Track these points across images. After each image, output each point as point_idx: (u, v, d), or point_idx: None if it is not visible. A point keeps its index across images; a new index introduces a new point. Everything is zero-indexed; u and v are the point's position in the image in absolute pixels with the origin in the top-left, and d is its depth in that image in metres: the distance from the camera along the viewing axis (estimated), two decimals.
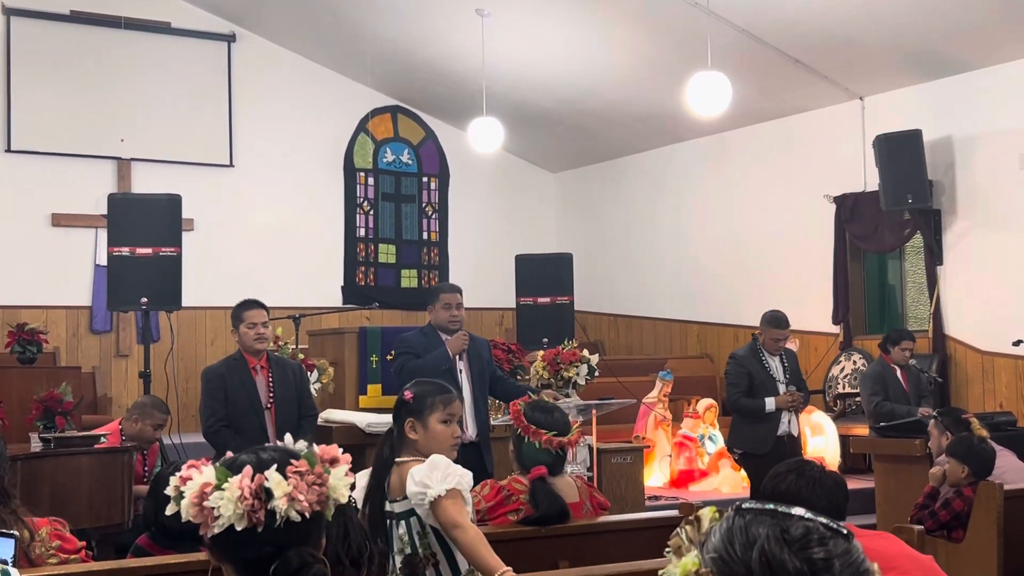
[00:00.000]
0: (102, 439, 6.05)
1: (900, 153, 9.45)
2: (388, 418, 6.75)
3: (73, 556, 3.53)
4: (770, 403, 7.16)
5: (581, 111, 11.91)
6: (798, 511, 1.29)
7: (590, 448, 7.06)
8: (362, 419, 7.12)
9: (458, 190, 13.28)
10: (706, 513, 1.32)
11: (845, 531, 1.27)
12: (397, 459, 3.58)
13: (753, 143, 11.41)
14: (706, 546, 1.26)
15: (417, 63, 11.81)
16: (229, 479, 1.84)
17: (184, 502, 1.85)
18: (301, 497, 1.83)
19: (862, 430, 8.92)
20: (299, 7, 11.25)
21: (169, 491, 1.90)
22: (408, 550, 3.46)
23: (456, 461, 3.56)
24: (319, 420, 6.73)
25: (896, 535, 3.40)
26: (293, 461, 1.88)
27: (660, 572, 1.29)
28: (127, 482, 5.90)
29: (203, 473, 1.87)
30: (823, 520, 1.27)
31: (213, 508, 1.82)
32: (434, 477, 3.38)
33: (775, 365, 7.31)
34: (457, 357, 6.46)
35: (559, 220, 13.83)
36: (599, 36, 10.33)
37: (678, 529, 1.31)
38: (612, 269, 12.94)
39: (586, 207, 13.53)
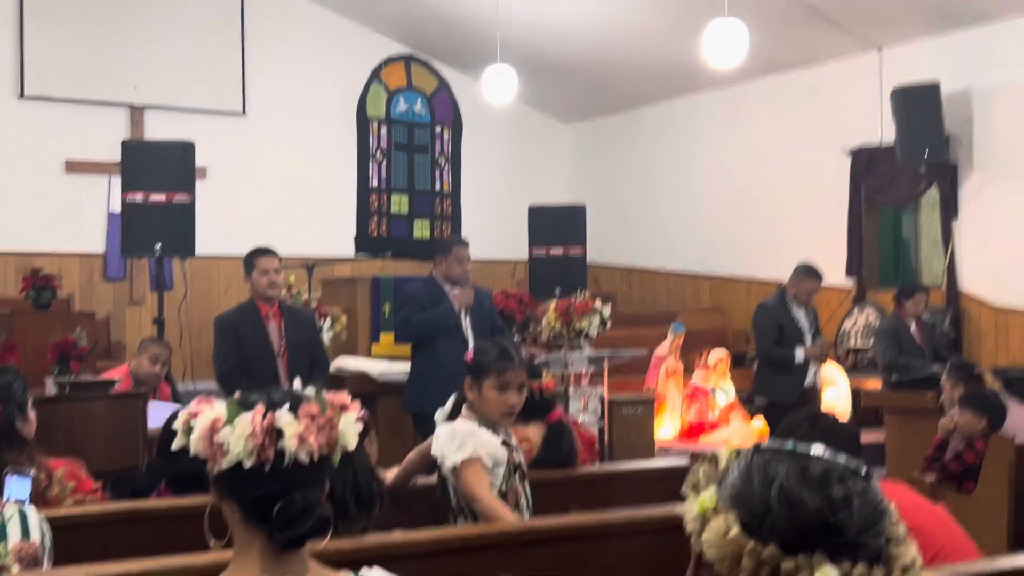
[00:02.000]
0: (115, 384, 6.09)
1: (917, 106, 9.37)
2: (401, 366, 6.83)
3: (89, 496, 3.56)
4: (799, 353, 7.20)
5: (596, 61, 11.82)
6: (817, 450, 1.28)
7: (601, 399, 7.09)
8: (375, 367, 7.16)
9: (471, 140, 13.22)
10: (724, 452, 1.31)
11: (864, 471, 1.27)
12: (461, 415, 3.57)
13: (769, 95, 11.31)
14: (724, 483, 1.26)
15: (431, 11, 11.71)
16: (240, 415, 1.84)
17: (193, 436, 1.85)
18: (311, 439, 1.83)
19: (874, 384, 8.91)
20: None
21: (177, 425, 1.90)
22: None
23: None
24: (331, 368, 6.76)
25: (908, 486, 3.40)
26: (305, 403, 1.89)
27: (677, 508, 1.28)
28: (141, 426, 5.95)
29: (214, 408, 1.87)
30: (842, 460, 1.27)
31: (223, 443, 1.82)
32: (452, 446, 3.38)
33: (802, 317, 7.34)
34: (463, 311, 6.47)
35: (572, 172, 13.77)
36: None
37: (696, 466, 1.31)
38: (625, 221, 12.90)
39: (600, 159, 13.46)
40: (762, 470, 1.24)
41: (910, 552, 1.26)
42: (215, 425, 1.85)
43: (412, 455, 3.73)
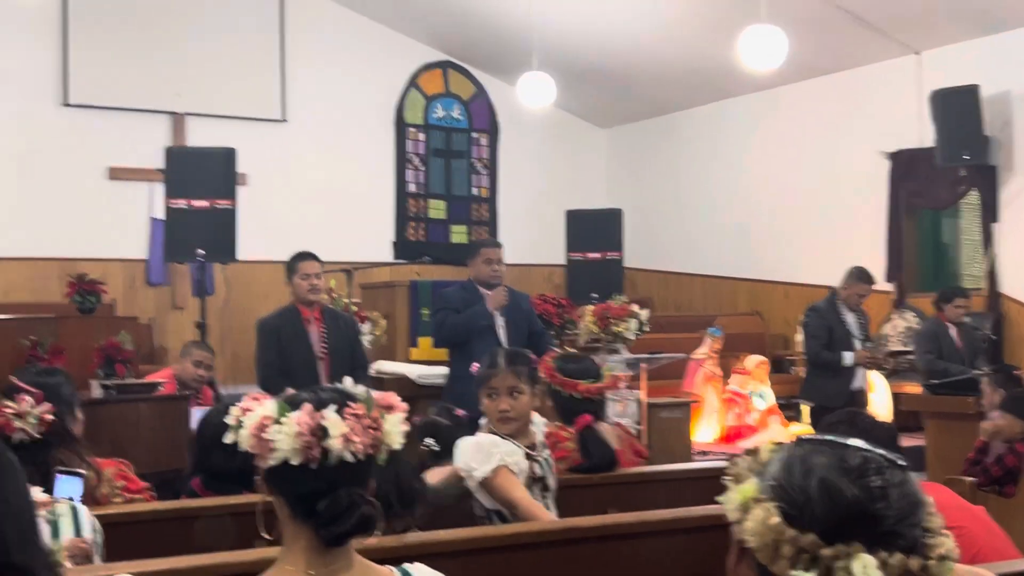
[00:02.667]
0: (160, 386, 6.18)
1: (956, 109, 9.31)
2: (439, 370, 6.87)
3: (137, 496, 3.63)
4: (848, 357, 7.19)
5: (633, 66, 11.83)
6: (856, 443, 1.31)
7: (639, 402, 7.10)
8: (413, 371, 7.21)
9: (508, 146, 13.27)
10: (766, 445, 1.35)
11: (902, 463, 1.29)
12: None
13: (807, 98, 11.28)
14: (765, 474, 1.29)
15: (468, 18, 11.78)
16: (288, 414, 1.89)
17: (243, 432, 1.90)
18: (356, 439, 1.88)
19: (914, 388, 8.85)
20: None
21: (228, 420, 1.95)
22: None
23: None
24: (371, 371, 6.82)
25: (948, 487, 3.40)
26: (351, 403, 1.93)
27: (718, 498, 1.32)
28: (184, 429, 6.03)
29: (264, 406, 1.92)
30: (881, 451, 1.29)
31: (271, 441, 1.87)
32: (478, 458, 3.40)
33: (852, 321, 7.33)
34: (497, 312, 6.49)
35: (609, 176, 13.78)
36: None
37: (737, 459, 1.34)
38: (662, 226, 12.89)
39: (637, 163, 13.46)
40: (802, 461, 1.28)
41: (947, 543, 1.29)
42: (264, 423, 1.90)
43: (451, 468, 3.75)
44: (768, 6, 8.58)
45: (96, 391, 6.20)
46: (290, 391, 2.02)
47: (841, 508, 1.23)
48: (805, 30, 9.82)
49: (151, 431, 5.97)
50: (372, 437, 1.91)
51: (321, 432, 1.87)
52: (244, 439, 1.91)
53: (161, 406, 6.09)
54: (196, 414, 6.05)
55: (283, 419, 1.89)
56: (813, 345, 7.37)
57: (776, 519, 1.23)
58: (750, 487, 1.28)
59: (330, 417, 1.88)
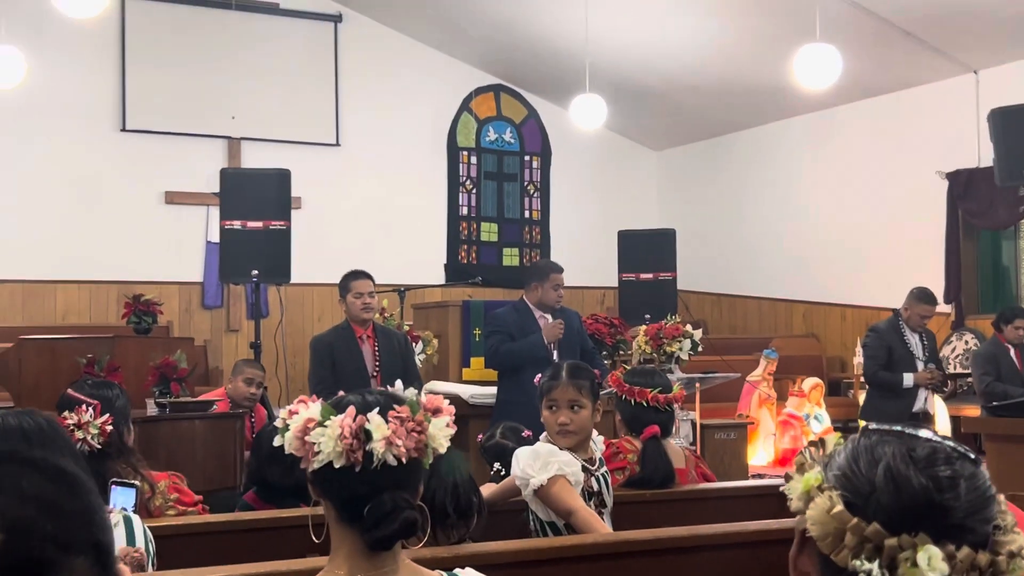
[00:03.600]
0: (214, 405, 6.21)
1: (1015, 127, 9.14)
2: (491, 390, 6.85)
3: (190, 509, 3.64)
4: (908, 379, 7.09)
5: (685, 87, 11.80)
6: (925, 433, 1.27)
7: (693, 423, 7.03)
8: (465, 390, 7.19)
9: (560, 168, 13.28)
10: (831, 437, 1.32)
11: (973, 455, 1.25)
12: None
13: (862, 118, 11.18)
14: (831, 464, 1.26)
15: (520, 41, 11.82)
16: (332, 417, 1.88)
17: (288, 435, 1.90)
18: (399, 442, 1.86)
19: (973, 411, 8.69)
20: None
21: (278, 423, 1.95)
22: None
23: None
24: (423, 391, 6.80)
25: (1010, 502, 3.31)
26: (396, 406, 1.92)
27: (781, 487, 1.28)
28: (238, 446, 6.05)
29: (309, 408, 1.92)
30: (951, 442, 1.25)
31: (314, 443, 1.87)
32: (535, 466, 3.37)
33: (915, 342, 7.25)
34: (552, 344, 6.47)
35: (661, 199, 13.74)
36: (704, 10, 10.21)
37: (803, 450, 1.31)
38: (715, 248, 12.81)
39: (689, 185, 13.41)
40: (869, 451, 1.24)
41: (1018, 540, 1.24)
42: (308, 425, 1.90)
43: (508, 480, 3.73)
44: (822, 25, 8.52)
45: (151, 409, 6.25)
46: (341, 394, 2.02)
47: (907, 498, 1.19)
48: (860, 49, 9.74)
49: (204, 449, 5.99)
50: (416, 440, 1.90)
51: (364, 435, 1.86)
52: (289, 441, 1.91)
53: (214, 424, 6.12)
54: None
55: (327, 422, 1.88)
56: (870, 365, 7.28)
57: (839, 507, 1.20)
58: (814, 476, 1.24)
59: (373, 420, 1.87)
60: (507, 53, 12.24)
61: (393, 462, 1.85)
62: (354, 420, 1.87)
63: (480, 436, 4.22)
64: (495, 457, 3.76)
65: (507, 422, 4.13)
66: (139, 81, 11.19)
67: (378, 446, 1.85)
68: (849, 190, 11.30)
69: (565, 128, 12.42)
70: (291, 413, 1.94)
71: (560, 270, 6.67)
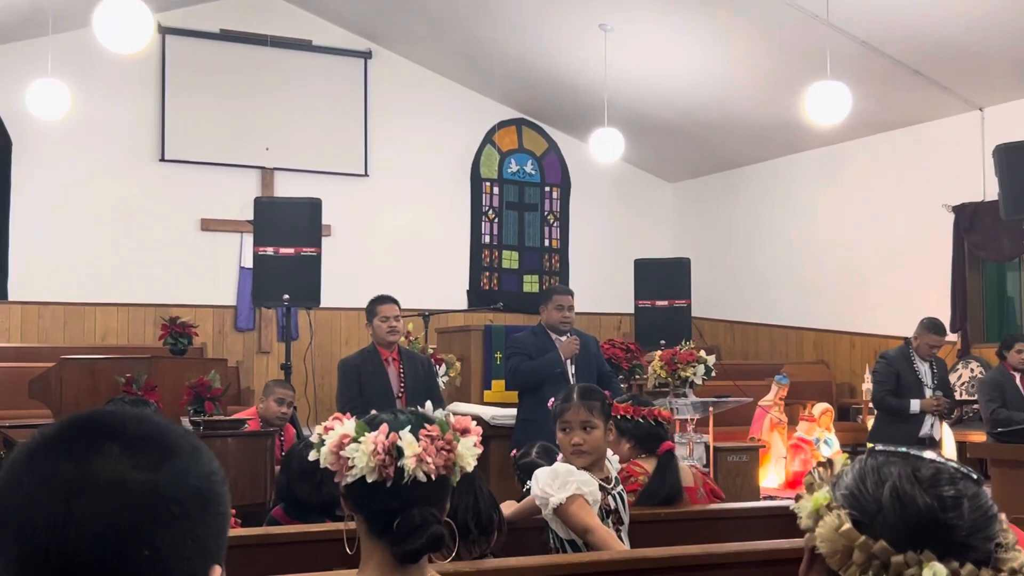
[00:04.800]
0: (246, 424, 6.24)
1: (1020, 162, 9.12)
2: (513, 411, 6.85)
3: None
4: (915, 404, 7.08)
5: (700, 122, 11.83)
6: (929, 454, 1.28)
7: (706, 446, 7.01)
8: (487, 411, 7.20)
9: (579, 199, 13.32)
10: (839, 458, 1.33)
11: (975, 476, 1.26)
12: None
13: (871, 153, 11.17)
14: (838, 484, 1.27)
15: (542, 77, 11.89)
16: (366, 434, 1.90)
17: (323, 449, 1.93)
18: (429, 459, 1.89)
19: (979, 437, 8.64)
20: (431, 25, 11.44)
21: (313, 438, 1.98)
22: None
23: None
24: (448, 413, 6.81)
25: (1014, 524, 3.29)
26: (427, 425, 1.94)
27: (792, 507, 1.29)
28: (269, 464, 6.08)
29: (344, 425, 1.94)
30: (954, 464, 1.26)
31: (348, 458, 1.89)
32: (554, 485, 3.37)
33: (925, 370, 7.23)
34: (568, 360, 6.47)
35: (676, 229, 13.75)
36: (719, 48, 10.25)
37: (811, 471, 1.32)
38: (729, 276, 12.80)
39: (703, 216, 13.41)
40: (876, 472, 1.25)
41: (1020, 558, 1.25)
42: (343, 441, 1.92)
43: (529, 499, 3.74)
44: (833, 63, 8.54)
45: (185, 426, 6.27)
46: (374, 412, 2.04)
47: (912, 516, 1.20)
48: (870, 86, 9.75)
49: (236, 466, 6.01)
50: (445, 458, 1.92)
51: (396, 452, 1.88)
52: (324, 456, 1.93)
53: (246, 442, 6.15)
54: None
55: (361, 438, 1.90)
56: (879, 390, 7.27)
57: (847, 525, 1.21)
58: (823, 496, 1.25)
59: (405, 438, 1.89)
60: (529, 88, 12.31)
61: (423, 478, 1.87)
62: (387, 437, 1.89)
63: (514, 452, 4.24)
64: (529, 475, 3.77)
65: (543, 442, 4.15)
66: (178, 113, 11.30)
67: (409, 462, 1.87)
68: (858, 222, 11.28)
69: (584, 160, 12.47)
70: (327, 429, 1.96)
71: (565, 292, 6.67)
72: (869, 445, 7.51)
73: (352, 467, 1.89)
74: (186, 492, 0.99)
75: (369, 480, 1.87)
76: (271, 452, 6.19)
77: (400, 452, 1.88)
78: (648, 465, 4.08)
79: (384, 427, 1.91)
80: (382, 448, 1.88)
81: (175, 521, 0.97)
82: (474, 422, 2.04)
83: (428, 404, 2.10)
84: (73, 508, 0.94)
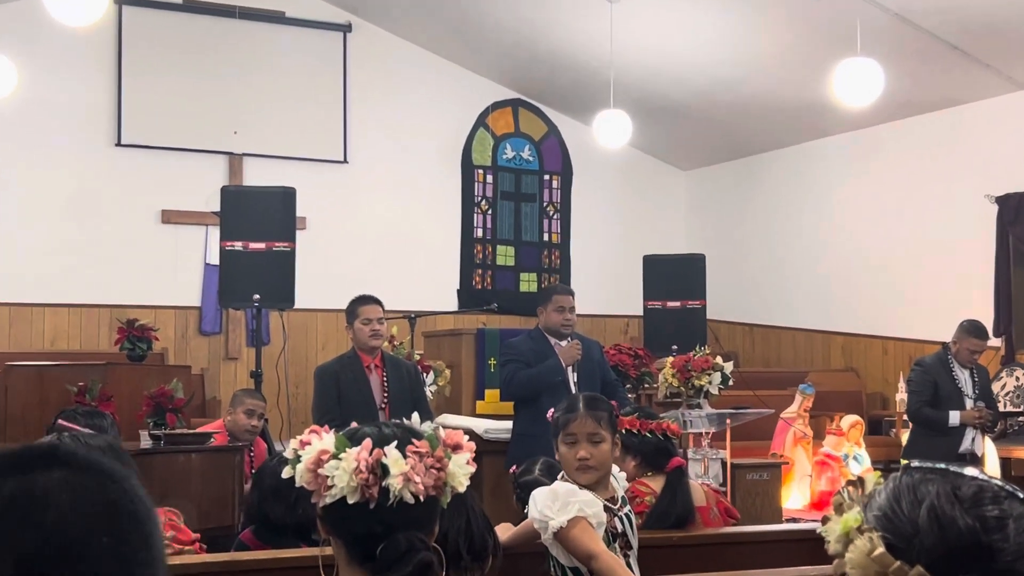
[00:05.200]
0: (212, 438, 6.24)
1: None
2: (508, 424, 6.86)
3: (187, 547, 3.66)
4: (954, 416, 7.08)
5: (716, 104, 11.84)
6: (971, 471, 1.28)
7: (723, 463, 7.02)
8: (480, 424, 7.21)
9: (582, 188, 13.32)
10: (871, 476, 1.33)
11: (1022, 494, 1.26)
12: None
13: (905, 138, 11.18)
14: (871, 504, 1.27)
15: (540, 54, 11.89)
16: (347, 449, 1.89)
17: (299, 467, 1.90)
18: (417, 479, 1.87)
19: None
20: None
21: (287, 453, 1.96)
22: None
23: None
24: (435, 424, 6.82)
25: None
26: (415, 441, 1.93)
27: (818, 530, 1.29)
28: (237, 482, 6.07)
29: (323, 440, 1.93)
30: (997, 481, 1.26)
31: (328, 476, 1.87)
32: (554, 507, 3.37)
33: (965, 378, 7.23)
34: (570, 368, 6.48)
35: (690, 222, 13.76)
36: (737, 22, 10.26)
37: (840, 490, 1.32)
38: (748, 275, 12.81)
39: (720, 208, 13.42)
40: (911, 491, 1.25)
41: None
42: (321, 457, 1.91)
43: (527, 522, 3.74)
44: (864, 38, 8.55)
45: (145, 441, 6.28)
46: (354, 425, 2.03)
47: (952, 539, 1.20)
48: (904, 64, 9.76)
49: (201, 484, 6.01)
50: (435, 478, 1.90)
51: (380, 470, 1.87)
52: (300, 474, 1.92)
53: (212, 458, 6.14)
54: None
55: (342, 455, 1.89)
56: (914, 401, 7.27)
57: (881, 549, 1.21)
58: (853, 517, 1.25)
59: (391, 454, 1.88)
60: (526, 66, 12.31)
61: (410, 500, 1.86)
62: (371, 454, 1.87)
63: (514, 468, 4.24)
64: (529, 495, 3.77)
65: (546, 458, 4.15)
66: (136, 93, 11.29)
67: (395, 482, 1.85)
68: (891, 214, 11.29)
69: (587, 146, 12.46)
70: (302, 444, 1.94)
71: (566, 291, 6.68)
72: (904, 461, 7.54)
73: (332, 486, 1.87)
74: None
75: (350, 501, 1.85)
76: (240, 469, 6.19)
77: (385, 470, 1.86)
78: (655, 484, 4.09)
79: (367, 442, 1.89)
80: (365, 466, 1.86)
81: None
82: (466, 436, 2.03)
83: (415, 416, 2.10)
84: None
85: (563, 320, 6.52)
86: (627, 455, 4.20)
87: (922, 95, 10.59)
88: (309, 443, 1.95)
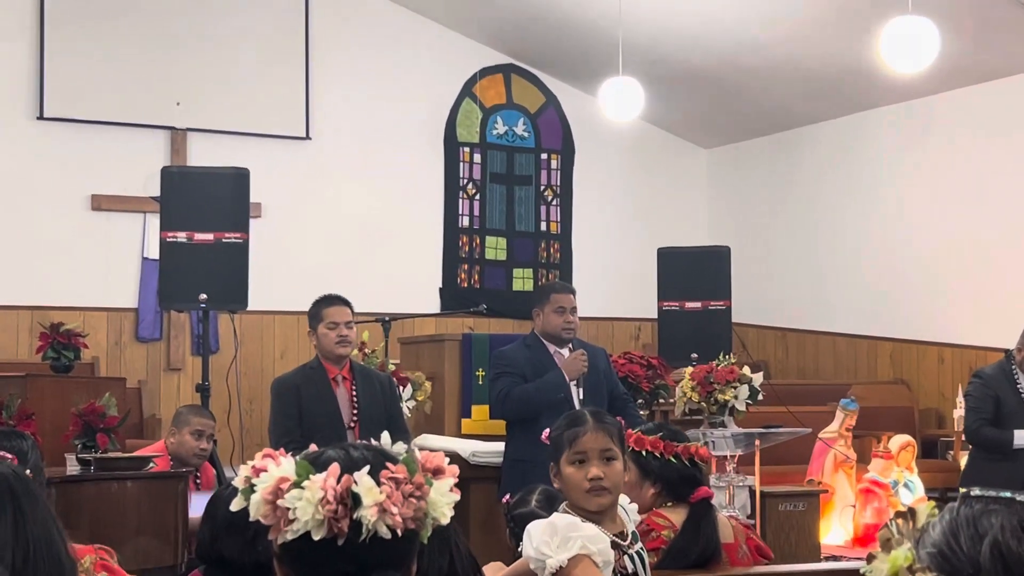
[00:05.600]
0: (152, 463, 6.24)
1: None
2: (498, 446, 6.87)
3: None
4: (1020, 437, 7.09)
5: (742, 70, 11.84)
6: None
7: (751, 491, 7.03)
8: (465, 447, 7.21)
9: (585, 170, 13.33)
10: (923, 507, 1.33)
11: None
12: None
13: (965, 110, 11.20)
14: (923, 541, 1.27)
15: (537, 12, 11.89)
16: (311, 476, 1.88)
17: (255, 498, 1.89)
18: (394, 510, 1.86)
19: None
20: None
21: (237, 483, 1.95)
22: None
23: None
24: (412, 445, 6.82)
25: None
26: (389, 465, 1.92)
27: (863, 569, 1.30)
28: (181, 515, 6.07)
29: (281, 466, 1.92)
30: None
31: (288, 509, 1.86)
32: (553, 543, 3.36)
33: None
34: (574, 382, 6.48)
35: (712, 208, 13.77)
36: None
37: (888, 523, 1.32)
38: (780, 271, 12.82)
39: (747, 192, 13.44)
40: (971, 524, 1.26)
41: None
42: (280, 486, 1.90)
43: (522, 561, 3.74)
44: None
45: (72, 467, 6.26)
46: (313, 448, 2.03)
47: None
48: (962, 26, 9.78)
49: (139, 518, 6.01)
50: (414, 507, 1.90)
51: (351, 500, 1.87)
52: (256, 506, 1.90)
53: (152, 487, 6.13)
54: (196, 501, 6.09)
55: (304, 483, 1.88)
56: (973, 419, 7.27)
57: None
58: (903, 555, 1.26)
59: (363, 481, 1.87)
60: (520, 25, 12.31)
61: (386, 534, 1.85)
62: (339, 481, 1.86)
63: (507, 499, 4.24)
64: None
65: (545, 486, 4.15)
66: (61, 58, 11.25)
67: (369, 513, 1.84)
68: (949, 199, 11.30)
69: (592, 119, 12.47)
70: (256, 471, 1.93)
71: (566, 289, 6.69)
72: (963, 490, 7.56)
73: (293, 520, 1.87)
74: None
75: (316, 537, 1.85)
76: (184, 499, 6.18)
77: (357, 500, 1.86)
78: (674, 516, 4.09)
79: (334, 468, 1.89)
80: (333, 495, 1.86)
81: None
82: (447, 459, 2.02)
83: (385, 436, 2.09)
84: None
85: (563, 323, 6.53)
86: (645, 481, 4.20)
87: (984, 60, 10.61)
88: (265, 470, 1.94)
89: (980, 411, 7.21)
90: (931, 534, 1.28)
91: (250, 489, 1.92)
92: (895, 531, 1.31)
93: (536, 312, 6.65)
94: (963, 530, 1.25)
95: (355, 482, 1.87)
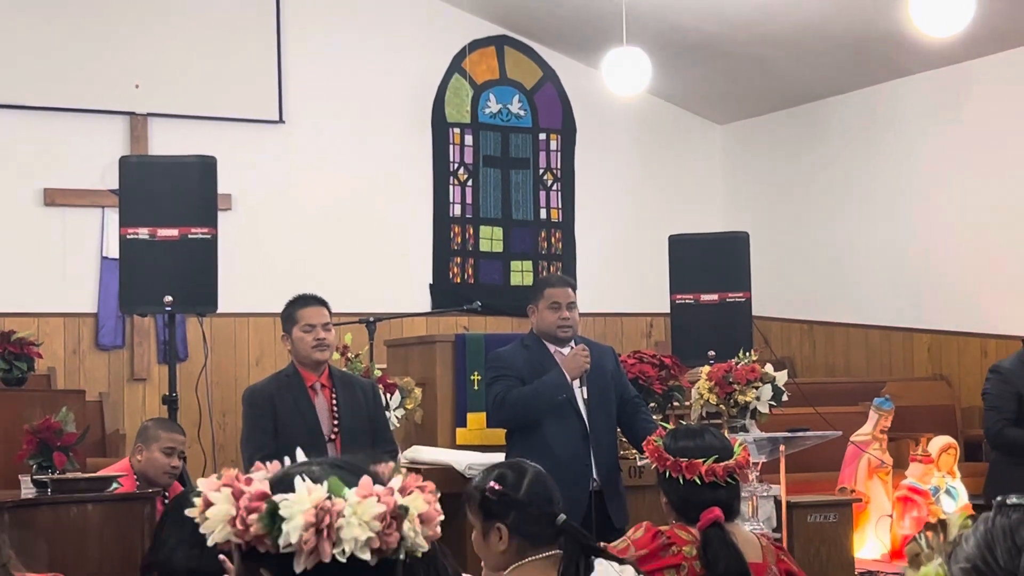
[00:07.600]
0: (116, 483, 6.23)
1: None
2: (496, 457, 6.86)
3: None
4: None
5: (759, 37, 11.84)
6: None
7: (776, 501, 7.04)
8: (461, 459, 7.21)
9: (588, 150, 13.33)
10: (955, 519, 1.33)
11: None
12: None
13: (1005, 78, 11.20)
14: (956, 555, 1.27)
15: None
16: (346, 491, 1.91)
17: (293, 524, 1.89)
18: (372, 531, 1.91)
19: None
20: None
21: (201, 504, 1.96)
22: None
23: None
24: (402, 461, 6.83)
25: None
26: (361, 479, 1.98)
27: None
28: (148, 541, 6.06)
29: (311, 487, 1.92)
30: None
31: (340, 529, 1.90)
32: None
33: None
34: (576, 382, 6.48)
35: (728, 191, 13.77)
36: None
37: (918, 535, 1.32)
38: (804, 258, 12.83)
39: (767, 172, 13.44)
40: (1008, 536, 1.26)
41: None
42: (327, 508, 1.92)
43: None
44: None
45: (27, 489, 6.26)
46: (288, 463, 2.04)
47: None
48: None
49: (101, 544, 5.99)
50: (394, 528, 1.95)
51: (401, 512, 1.90)
52: (294, 531, 1.89)
53: (115, 510, 6.11)
54: None
55: (351, 499, 1.91)
56: (993, 420, 7.27)
57: None
58: (934, 570, 1.26)
59: (348, 498, 1.92)
60: None
61: (367, 557, 1.89)
62: (387, 493, 1.93)
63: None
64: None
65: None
66: (6, 36, 11.25)
67: (411, 527, 1.91)
68: (989, 173, 11.30)
69: (595, 95, 12.48)
70: (259, 495, 1.95)
71: (561, 282, 6.70)
72: (999, 499, 7.54)
73: (339, 541, 1.90)
74: None
75: (361, 557, 1.89)
76: (151, 523, 6.17)
77: (405, 512, 1.93)
78: (698, 532, 4.09)
79: (366, 480, 1.94)
80: (384, 510, 1.91)
81: None
82: (421, 477, 2.05)
83: (299, 452, 2.10)
84: None
85: (558, 320, 6.53)
86: (660, 491, 4.24)
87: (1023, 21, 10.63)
88: (264, 492, 1.94)
89: (1001, 410, 7.19)
90: (964, 547, 1.28)
91: (277, 518, 1.91)
92: (924, 545, 1.31)
93: (531, 309, 6.66)
94: (999, 543, 1.25)
95: (338, 499, 1.91)
